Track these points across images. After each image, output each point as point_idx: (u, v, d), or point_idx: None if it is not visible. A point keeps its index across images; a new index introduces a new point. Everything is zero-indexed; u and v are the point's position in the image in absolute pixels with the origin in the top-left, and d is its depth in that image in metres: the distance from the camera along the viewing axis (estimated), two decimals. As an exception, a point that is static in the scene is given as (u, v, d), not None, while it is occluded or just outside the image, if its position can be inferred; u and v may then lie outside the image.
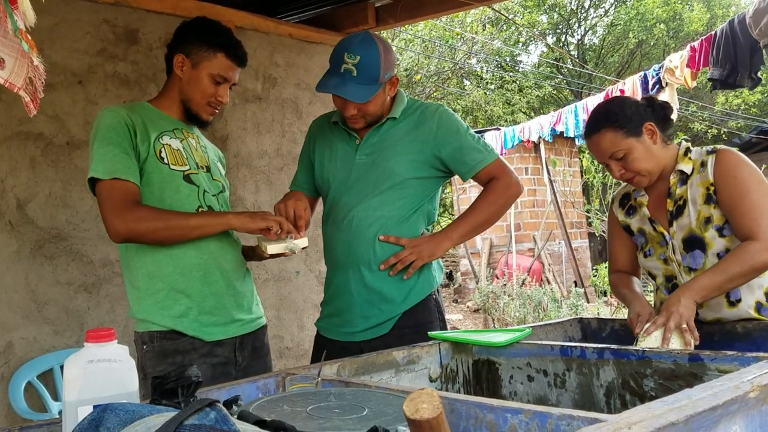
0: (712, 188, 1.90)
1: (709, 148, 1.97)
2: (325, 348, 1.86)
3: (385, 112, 2.15)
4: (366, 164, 2.14)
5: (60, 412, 1.06)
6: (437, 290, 2.21)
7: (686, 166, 1.96)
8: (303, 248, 1.99)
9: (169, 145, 1.96)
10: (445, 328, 2.19)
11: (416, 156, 2.12)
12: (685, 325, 1.75)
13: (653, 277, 2.08)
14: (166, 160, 1.94)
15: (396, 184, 2.11)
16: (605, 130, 1.96)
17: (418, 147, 2.12)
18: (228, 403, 1.06)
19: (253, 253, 2.13)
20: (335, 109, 2.22)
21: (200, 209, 1.97)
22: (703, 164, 1.94)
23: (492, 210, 2.16)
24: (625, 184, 2.10)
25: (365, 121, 2.12)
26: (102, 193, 1.85)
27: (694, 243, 1.93)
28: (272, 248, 1.96)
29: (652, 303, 2.09)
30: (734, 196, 1.86)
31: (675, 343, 1.75)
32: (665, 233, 1.99)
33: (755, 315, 1.90)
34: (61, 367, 0.99)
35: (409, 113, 2.18)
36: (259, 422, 0.86)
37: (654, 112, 2.00)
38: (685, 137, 2.09)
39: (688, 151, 1.99)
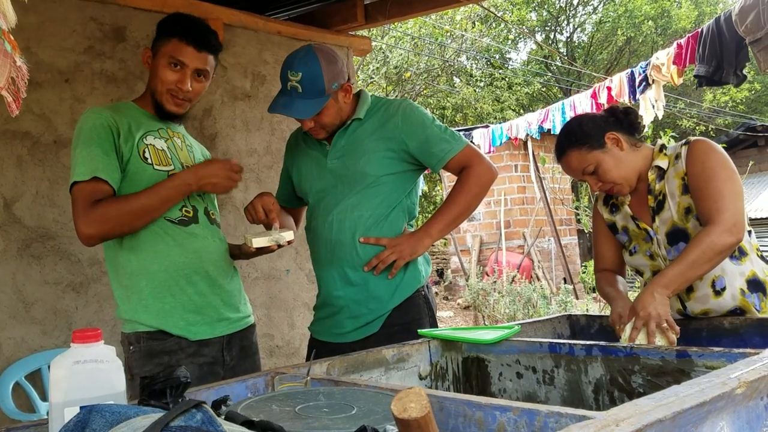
0: (687, 178, 1.93)
1: (683, 140, 2.00)
2: (317, 350, 1.86)
3: (346, 116, 2.15)
4: (338, 168, 2.15)
5: (48, 413, 1.05)
6: (427, 286, 2.21)
7: (662, 162, 1.98)
8: (288, 242, 2.00)
9: (153, 146, 1.95)
10: (436, 325, 2.19)
11: (386, 153, 2.12)
12: (665, 324, 1.76)
13: (640, 274, 2.10)
14: (150, 161, 1.92)
15: (370, 184, 2.11)
16: (569, 151, 2.02)
17: (386, 144, 2.12)
18: (217, 404, 1.06)
19: (240, 252, 2.12)
20: None
21: (184, 209, 1.96)
22: (678, 156, 1.97)
23: (467, 200, 2.14)
24: None
25: (326, 131, 2.13)
26: (73, 196, 1.85)
27: (677, 235, 1.95)
28: (257, 242, 1.97)
29: None
30: (699, 183, 1.88)
31: (659, 342, 1.76)
32: (649, 229, 2.01)
33: (741, 302, 1.91)
34: (50, 367, 0.98)
35: (373, 112, 2.18)
36: (247, 422, 0.85)
37: (617, 120, 2.03)
38: (673, 134, 2.11)
39: (663, 147, 2.02)
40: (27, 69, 1.06)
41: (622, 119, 2.03)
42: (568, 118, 7.88)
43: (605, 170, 1.98)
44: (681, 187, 1.94)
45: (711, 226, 1.81)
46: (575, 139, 2.00)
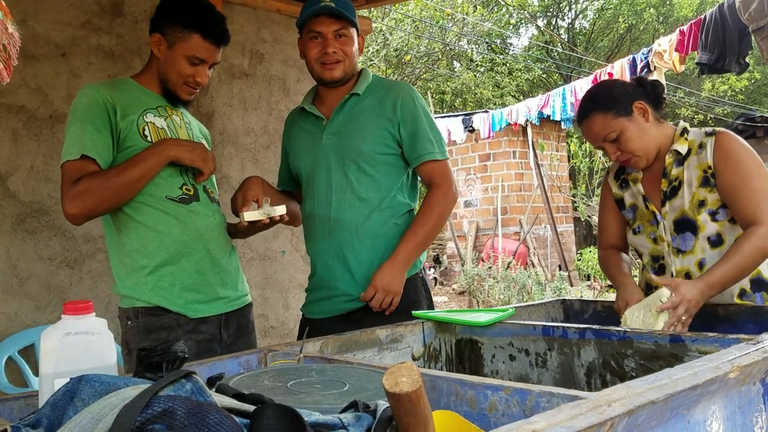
0: (710, 171, 1.89)
1: (708, 129, 1.96)
2: (309, 329, 1.84)
3: (354, 73, 2.15)
4: (333, 144, 2.13)
5: (39, 385, 1.05)
6: (423, 269, 2.20)
7: (681, 146, 1.95)
8: (281, 216, 1.99)
9: (153, 123, 1.93)
10: (433, 307, 2.19)
11: (382, 132, 2.10)
12: (684, 318, 1.73)
13: (640, 255, 2.08)
14: (150, 138, 1.91)
15: (365, 162, 2.08)
16: (594, 113, 1.96)
17: (383, 123, 2.10)
18: (212, 380, 1.05)
19: (235, 230, 2.11)
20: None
21: (185, 187, 1.95)
22: (701, 146, 1.92)
23: (433, 221, 2.09)
24: None
25: (343, 67, 2.10)
26: (62, 175, 1.82)
27: (685, 225, 1.92)
28: (249, 215, 1.96)
29: (638, 282, 2.09)
30: (736, 182, 1.85)
31: (660, 323, 1.74)
32: (656, 213, 1.99)
33: (737, 301, 1.90)
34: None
35: (374, 90, 2.16)
36: (237, 395, 0.85)
37: (645, 91, 1.99)
38: (674, 123, 2.07)
39: (685, 131, 1.98)
40: (19, 36, 1.05)
41: (649, 91, 1.99)
42: (568, 105, 7.90)
43: (628, 138, 1.93)
44: (701, 178, 1.90)
45: (759, 227, 1.79)
46: (602, 103, 1.95)
